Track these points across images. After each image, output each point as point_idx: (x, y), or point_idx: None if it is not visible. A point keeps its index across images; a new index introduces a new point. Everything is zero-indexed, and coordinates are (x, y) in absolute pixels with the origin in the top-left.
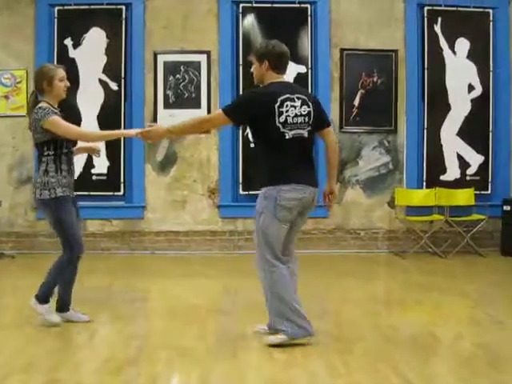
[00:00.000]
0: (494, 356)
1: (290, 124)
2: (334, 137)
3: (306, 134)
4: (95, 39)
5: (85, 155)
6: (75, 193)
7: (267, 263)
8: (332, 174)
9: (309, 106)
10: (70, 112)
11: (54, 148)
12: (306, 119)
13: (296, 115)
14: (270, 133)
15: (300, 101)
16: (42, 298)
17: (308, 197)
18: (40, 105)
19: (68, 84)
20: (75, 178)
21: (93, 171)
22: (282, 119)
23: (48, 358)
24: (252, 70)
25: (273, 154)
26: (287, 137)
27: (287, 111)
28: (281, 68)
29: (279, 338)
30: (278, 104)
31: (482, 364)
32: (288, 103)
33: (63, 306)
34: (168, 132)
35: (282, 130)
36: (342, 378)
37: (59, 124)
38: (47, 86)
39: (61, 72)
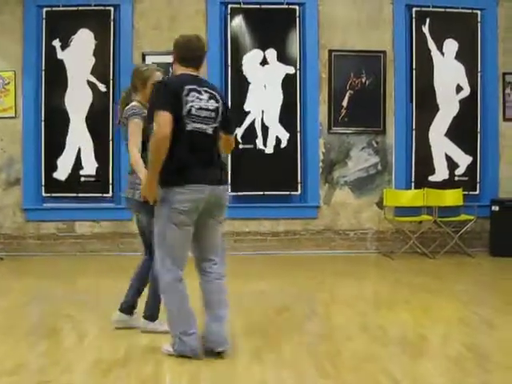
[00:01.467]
0: (482, 356)
1: (193, 116)
2: (231, 148)
3: (209, 131)
4: (83, 40)
5: (73, 156)
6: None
7: (162, 268)
8: None
9: (217, 102)
10: (58, 113)
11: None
12: (213, 114)
13: (201, 108)
14: (175, 123)
15: (207, 94)
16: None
17: (207, 197)
18: (132, 103)
19: None
20: (63, 179)
21: (81, 172)
22: (186, 108)
23: (38, 360)
24: None
25: (174, 148)
26: (188, 128)
27: (192, 101)
28: (188, 61)
29: (169, 350)
30: (184, 92)
31: (470, 364)
32: (194, 93)
33: (132, 309)
34: (149, 177)
35: (185, 120)
36: (331, 378)
37: (132, 131)
38: (141, 86)
39: (157, 75)
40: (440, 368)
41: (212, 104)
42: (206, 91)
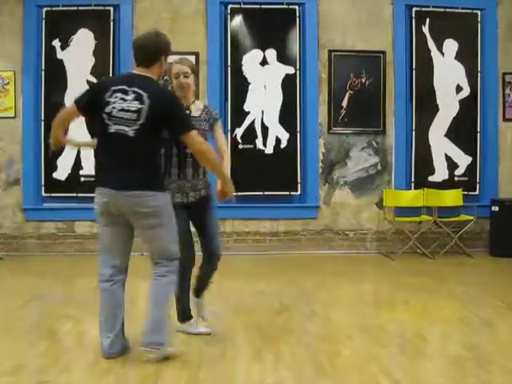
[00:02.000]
0: (482, 356)
1: (114, 117)
2: (198, 145)
3: (130, 133)
4: (83, 40)
5: (73, 156)
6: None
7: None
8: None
9: (142, 103)
10: (57, 113)
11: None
12: (134, 116)
13: (122, 109)
14: (99, 124)
15: (134, 95)
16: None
17: (112, 201)
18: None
19: (183, 81)
20: (63, 179)
21: (81, 172)
22: (107, 110)
23: (37, 360)
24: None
25: (99, 149)
26: (110, 130)
27: (114, 102)
28: (135, 59)
29: None
30: (108, 93)
31: (470, 364)
32: (119, 95)
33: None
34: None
35: (106, 121)
36: (330, 378)
37: None
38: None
39: (175, 68)
40: (440, 368)
41: (135, 105)
42: (133, 91)
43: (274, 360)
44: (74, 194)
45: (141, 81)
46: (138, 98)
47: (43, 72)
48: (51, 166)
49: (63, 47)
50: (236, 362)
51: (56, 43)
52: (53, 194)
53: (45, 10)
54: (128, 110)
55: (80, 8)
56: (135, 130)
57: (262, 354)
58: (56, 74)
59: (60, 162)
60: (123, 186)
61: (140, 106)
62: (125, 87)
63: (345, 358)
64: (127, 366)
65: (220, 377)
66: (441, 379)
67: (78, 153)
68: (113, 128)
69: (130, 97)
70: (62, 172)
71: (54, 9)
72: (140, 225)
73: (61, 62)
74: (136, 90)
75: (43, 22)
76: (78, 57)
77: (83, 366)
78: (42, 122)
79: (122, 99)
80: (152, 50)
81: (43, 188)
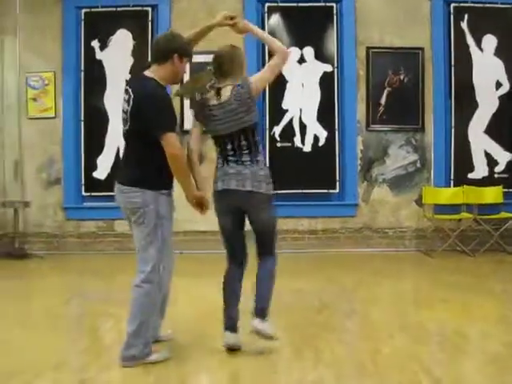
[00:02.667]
0: None
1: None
2: (171, 149)
3: (125, 133)
4: (122, 41)
5: (112, 156)
6: None
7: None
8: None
9: (128, 104)
10: (98, 113)
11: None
12: (125, 117)
13: (122, 110)
14: None
15: (127, 96)
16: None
17: (116, 196)
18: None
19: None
20: (103, 178)
21: None
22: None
23: (78, 358)
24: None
25: None
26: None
27: (122, 102)
28: (150, 57)
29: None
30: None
31: (509, 362)
32: (124, 95)
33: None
34: (196, 193)
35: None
36: (371, 376)
37: None
38: (241, 69)
39: None
40: (479, 366)
41: (125, 106)
42: (127, 92)
43: (314, 358)
44: (114, 193)
45: (138, 81)
46: (128, 99)
47: (83, 72)
48: (91, 165)
49: (102, 48)
50: (276, 361)
51: (95, 44)
52: (93, 193)
53: (84, 11)
54: (123, 111)
55: (118, 9)
56: (127, 130)
57: (302, 353)
58: (95, 75)
59: (100, 161)
60: (119, 181)
61: (127, 107)
62: (127, 87)
63: (385, 357)
64: (168, 365)
65: (260, 375)
66: (480, 377)
67: (118, 152)
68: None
69: (126, 97)
70: (101, 171)
71: (92, 10)
72: (133, 221)
73: (100, 62)
74: (129, 90)
75: (82, 22)
76: (117, 57)
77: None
78: (82, 122)
79: (123, 99)
80: (162, 48)
81: (83, 187)
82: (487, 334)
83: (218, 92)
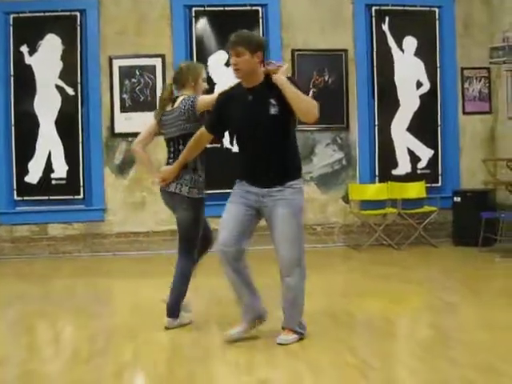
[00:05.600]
0: (447, 336)
1: None
2: None
3: None
4: (51, 45)
5: (44, 160)
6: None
7: (303, 261)
8: None
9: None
10: (28, 118)
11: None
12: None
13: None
14: None
15: None
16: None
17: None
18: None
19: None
20: (35, 182)
21: (52, 176)
22: None
23: (21, 352)
24: (233, 61)
25: None
26: None
27: None
28: None
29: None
30: None
31: (435, 344)
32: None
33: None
34: (178, 165)
35: None
36: (299, 358)
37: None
38: (192, 82)
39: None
40: (406, 347)
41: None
42: None
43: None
44: (46, 197)
45: None
46: None
47: (12, 77)
48: (23, 169)
49: (31, 53)
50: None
51: (24, 49)
52: (25, 198)
53: (12, 16)
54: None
55: (47, 14)
56: None
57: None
58: (25, 79)
59: (31, 165)
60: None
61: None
62: None
63: (312, 340)
64: (106, 356)
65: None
66: (407, 357)
67: (49, 156)
68: None
69: None
70: (33, 175)
71: (21, 15)
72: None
73: (29, 67)
74: None
75: (11, 28)
76: (47, 62)
77: (63, 357)
78: (13, 127)
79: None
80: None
81: (15, 192)
82: (414, 318)
83: (174, 100)
